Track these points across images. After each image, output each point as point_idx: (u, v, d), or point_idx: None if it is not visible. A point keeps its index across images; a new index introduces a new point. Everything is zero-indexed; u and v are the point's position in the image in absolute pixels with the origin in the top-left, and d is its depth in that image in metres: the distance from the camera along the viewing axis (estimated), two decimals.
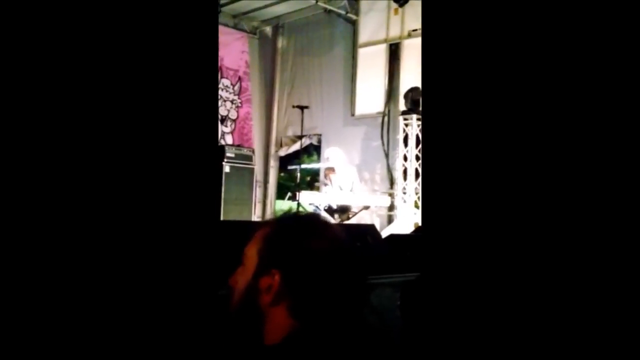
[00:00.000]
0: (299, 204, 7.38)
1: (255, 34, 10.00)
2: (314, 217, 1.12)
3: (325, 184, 7.22)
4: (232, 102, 9.43)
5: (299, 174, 7.84)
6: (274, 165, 9.88)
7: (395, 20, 8.06)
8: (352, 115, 8.57)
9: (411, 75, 7.59)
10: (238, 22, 9.67)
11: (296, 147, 9.02)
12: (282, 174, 10.31)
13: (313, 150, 10.13)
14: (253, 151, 8.43)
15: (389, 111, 8.12)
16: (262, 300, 1.00)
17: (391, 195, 7.72)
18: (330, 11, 8.71)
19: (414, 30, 7.70)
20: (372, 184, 8.03)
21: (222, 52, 9.22)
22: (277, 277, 1.00)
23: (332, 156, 7.09)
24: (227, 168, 7.64)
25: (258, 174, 8.85)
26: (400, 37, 8.01)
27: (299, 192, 7.60)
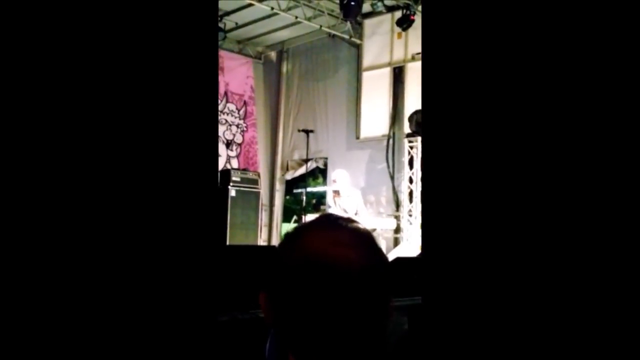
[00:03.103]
0: None
1: (260, 59, 10.11)
2: (314, 221, 0.88)
3: (329, 207, 7.21)
4: (237, 126, 9.50)
5: (304, 197, 7.85)
6: (279, 188, 9.89)
7: (398, 44, 8.15)
8: (357, 138, 8.61)
9: (415, 98, 7.64)
10: (243, 47, 9.79)
11: (302, 170, 9.04)
12: (287, 197, 10.31)
13: (319, 173, 10.16)
14: (259, 175, 8.46)
15: (393, 134, 8.15)
16: None
17: (397, 217, 7.71)
18: (334, 36, 8.81)
19: (417, 54, 7.78)
20: (377, 206, 8.02)
21: (227, 77, 9.33)
22: (262, 300, 0.83)
23: (338, 178, 7.10)
24: (232, 192, 7.66)
25: (264, 198, 8.87)
26: (404, 61, 8.09)
27: (304, 215, 7.60)
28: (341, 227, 0.83)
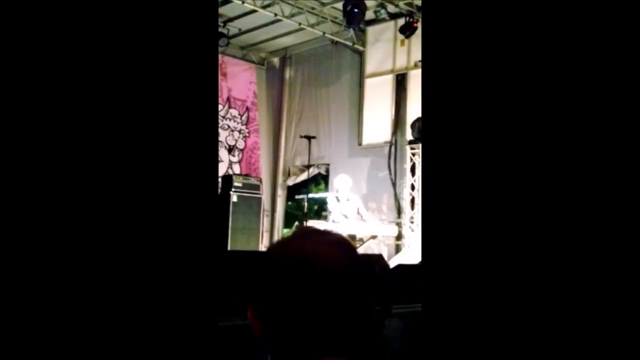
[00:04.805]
0: None
1: (263, 65, 10.13)
2: (297, 230, 0.96)
3: (330, 212, 7.19)
4: (239, 132, 9.51)
5: (306, 203, 7.84)
6: (281, 194, 9.89)
7: (401, 51, 8.16)
8: (359, 144, 8.61)
9: (418, 105, 7.63)
10: (246, 53, 9.81)
11: (304, 176, 9.04)
12: (289, 203, 10.31)
13: (321, 179, 10.16)
14: (260, 180, 8.46)
15: (395, 141, 8.16)
16: None
17: (399, 224, 7.70)
18: (337, 42, 8.82)
19: (420, 61, 7.78)
20: (379, 213, 8.01)
21: (230, 83, 9.35)
22: (249, 313, 0.82)
23: (338, 184, 7.08)
24: (234, 197, 7.66)
25: (265, 203, 8.86)
26: (407, 68, 8.10)
27: (306, 221, 7.59)
28: (322, 232, 0.86)
